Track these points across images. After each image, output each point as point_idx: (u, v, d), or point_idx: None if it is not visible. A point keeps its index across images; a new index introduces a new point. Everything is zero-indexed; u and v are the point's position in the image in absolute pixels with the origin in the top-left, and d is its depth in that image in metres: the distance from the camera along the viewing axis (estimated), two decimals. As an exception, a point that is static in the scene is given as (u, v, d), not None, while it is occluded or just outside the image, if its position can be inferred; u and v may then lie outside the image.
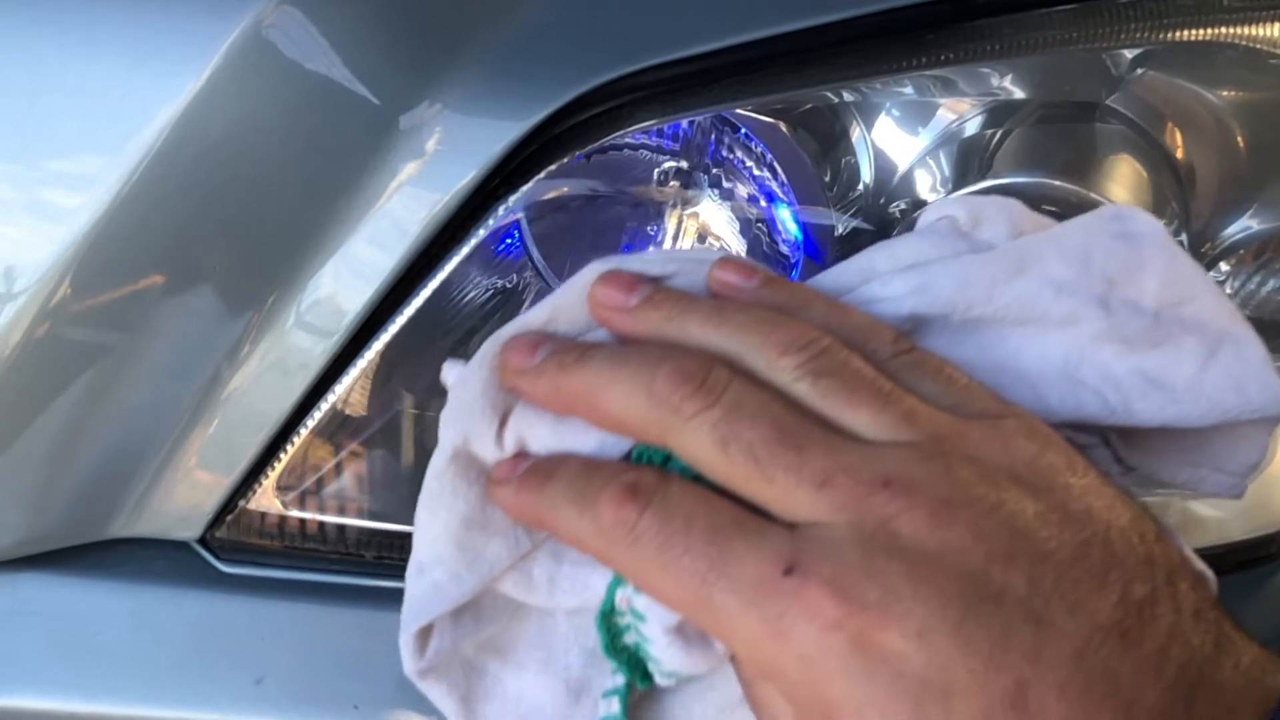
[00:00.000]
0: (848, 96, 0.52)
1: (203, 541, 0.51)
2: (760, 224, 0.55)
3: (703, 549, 0.29)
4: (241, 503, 0.50)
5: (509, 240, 0.56)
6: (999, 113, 0.55)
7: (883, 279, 0.36)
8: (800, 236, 0.54)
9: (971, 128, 0.56)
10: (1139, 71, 0.54)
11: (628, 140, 0.55)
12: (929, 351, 0.33)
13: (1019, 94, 0.55)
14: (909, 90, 0.54)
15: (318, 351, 0.47)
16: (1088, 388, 0.35)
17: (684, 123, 0.53)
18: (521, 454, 0.34)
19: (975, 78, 0.54)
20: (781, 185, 0.53)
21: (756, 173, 0.53)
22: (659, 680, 0.34)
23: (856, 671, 0.27)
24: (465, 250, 0.47)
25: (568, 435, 0.34)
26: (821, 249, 0.53)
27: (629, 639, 0.33)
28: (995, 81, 0.54)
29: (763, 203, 0.54)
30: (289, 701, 0.48)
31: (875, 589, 0.27)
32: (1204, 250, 0.58)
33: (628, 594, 0.32)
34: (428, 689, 0.36)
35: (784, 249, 0.54)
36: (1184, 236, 0.56)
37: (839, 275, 0.37)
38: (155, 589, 0.50)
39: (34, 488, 0.48)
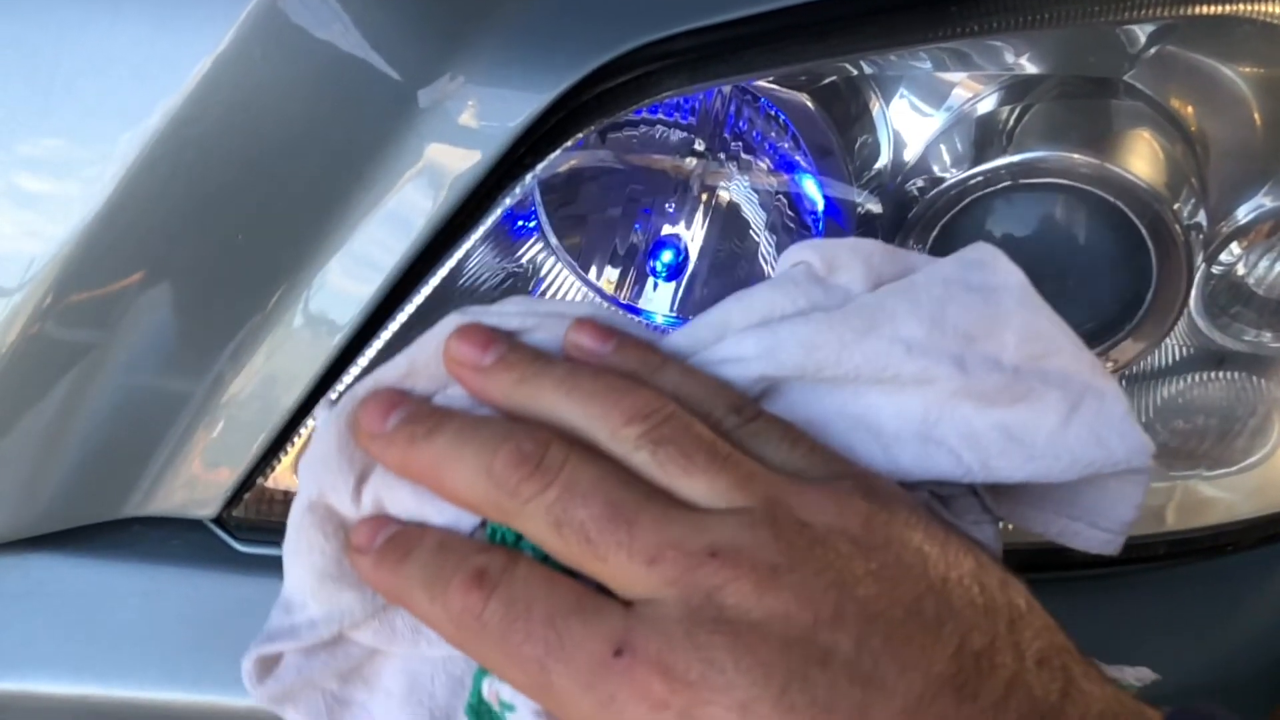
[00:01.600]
0: (870, 69, 0.52)
1: (218, 521, 0.50)
2: (781, 196, 0.54)
3: (541, 634, 0.29)
4: (260, 480, 0.49)
5: (524, 222, 0.55)
6: (1018, 89, 0.55)
7: (736, 336, 0.36)
8: (824, 205, 0.54)
9: (990, 104, 0.55)
10: (1157, 47, 0.54)
11: (645, 116, 0.55)
12: (774, 416, 0.34)
13: (1038, 69, 0.54)
14: (928, 65, 0.53)
15: (340, 322, 0.46)
16: (944, 447, 0.35)
17: (700, 97, 0.53)
18: (380, 517, 0.35)
19: (993, 52, 0.54)
20: (804, 155, 0.52)
21: (778, 143, 0.53)
22: None
23: None
24: (490, 220, 0.46)
25: (426, 502, 0.34)
26: (846, 217, 0.53)
27: None
28: (1014, 57, 0.54)
29: (784, 175, 0.53)
30: (310, 682, 0.47)
31: (698, 665, 0.27)
32: (1219, 228, 0.58)
33: (494, 686, 0.33)
34: (286, 714, 0.36)
35: (807, 220, 0.54)
36: (1202, 213, 0.56)
37: (694, 330, 0.37)
38: (170, 569, 0.49)
39: (46, 465, 0.46)
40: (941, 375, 0.34)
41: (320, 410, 0.36)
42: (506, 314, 0.36)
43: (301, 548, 0.35)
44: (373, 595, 0.35)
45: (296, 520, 0.35)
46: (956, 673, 0.27)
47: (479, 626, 0.30)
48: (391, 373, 0.36)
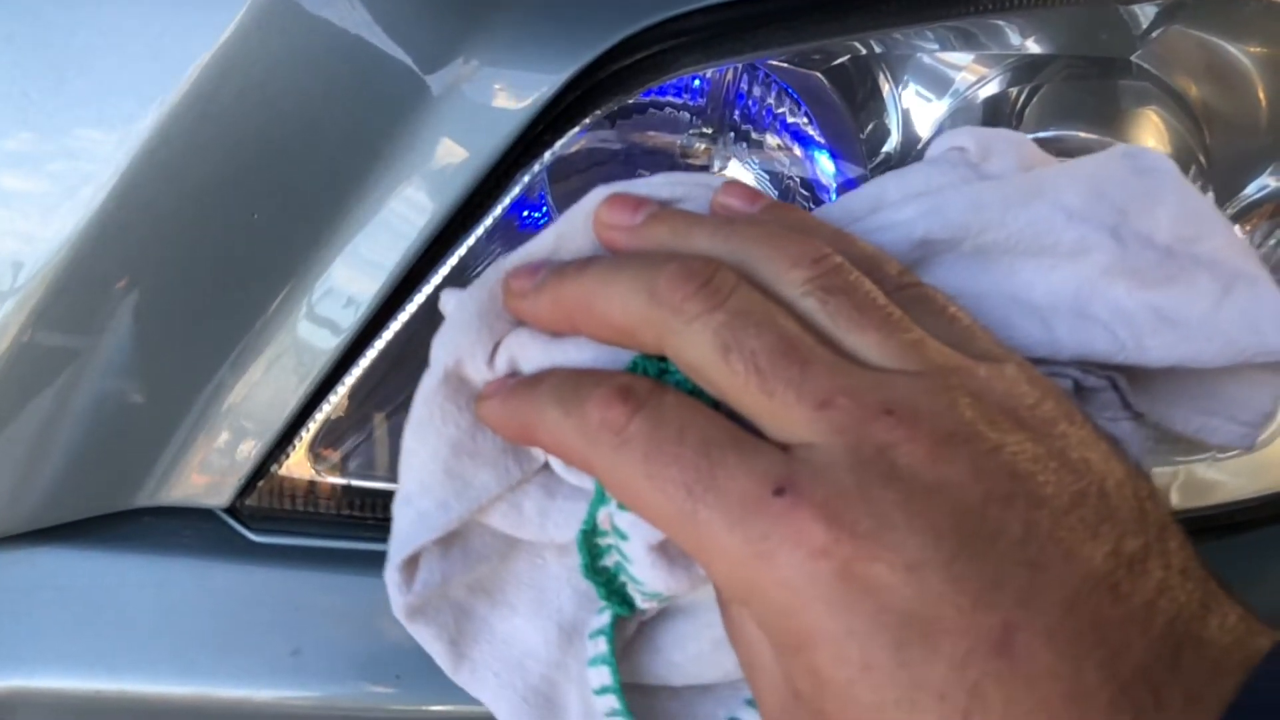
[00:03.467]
0: (879, 49, 0.51)
1: (231, 511, 0.49)
2: (794, 177, 0.54)
3: (692, 460, 0.28)
4: (274, 468, 0.48)
5: (531, 212, 0.55)
6: (1025, 70, 0.55)
7: (894, 205, 0.35)
8: (837, 184, 0.53)
9: (998, 86, 0.55)
10: (1164, 26, 0.54)
11: (654, 99, 0.54)
12: (934, 288, 0.32)
13: (1045, 50, 0.55)
14: (935, 45, 0.53)
15: (357, 306, 0.45)
16: (1098, 323, 0.34)
17: (711, 78, 0.53)
18: (513, 374, 0.33)
19: (1001, 32, 0.54)
20: (818, 134, 0.52)
21: (790, 119, 0.53)
22: (640, 603, 0.33)
23: (839, 602, 0.26)
24: (500, 207, 0.46)
25: (560, 353, 0.32)
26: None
27: (609, 560, 0.32)
28: (1021, 37, 0.54)
29: (797, 151, 0.53)
30: (329, 672, 0.46)
31: (868, 517, 0.26)
32: (1225, 209, 0.59)
33: (610, 511, 0.31)
34: (416, 632, 0.35)
35: (821, 197, 0.54)
36: (1209, 194, 0.57)
37: (849, 202, 0.36)
38: (183, 560, 0.47)
39: (40, 461, 0.45)
40: (1098, 246, 0.34)
41: (449, 295, 0.34)
42: (655, 184, 0.34)
43: (435, 421, 0.33)
44: (506, 468, 0.33)
45: (428, 395, 0.33)
46: (1112, 571, 0.26)
47: (618, 442, 0.28)
48: (538, 246, 0.34)
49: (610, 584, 0.33)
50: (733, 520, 0.27)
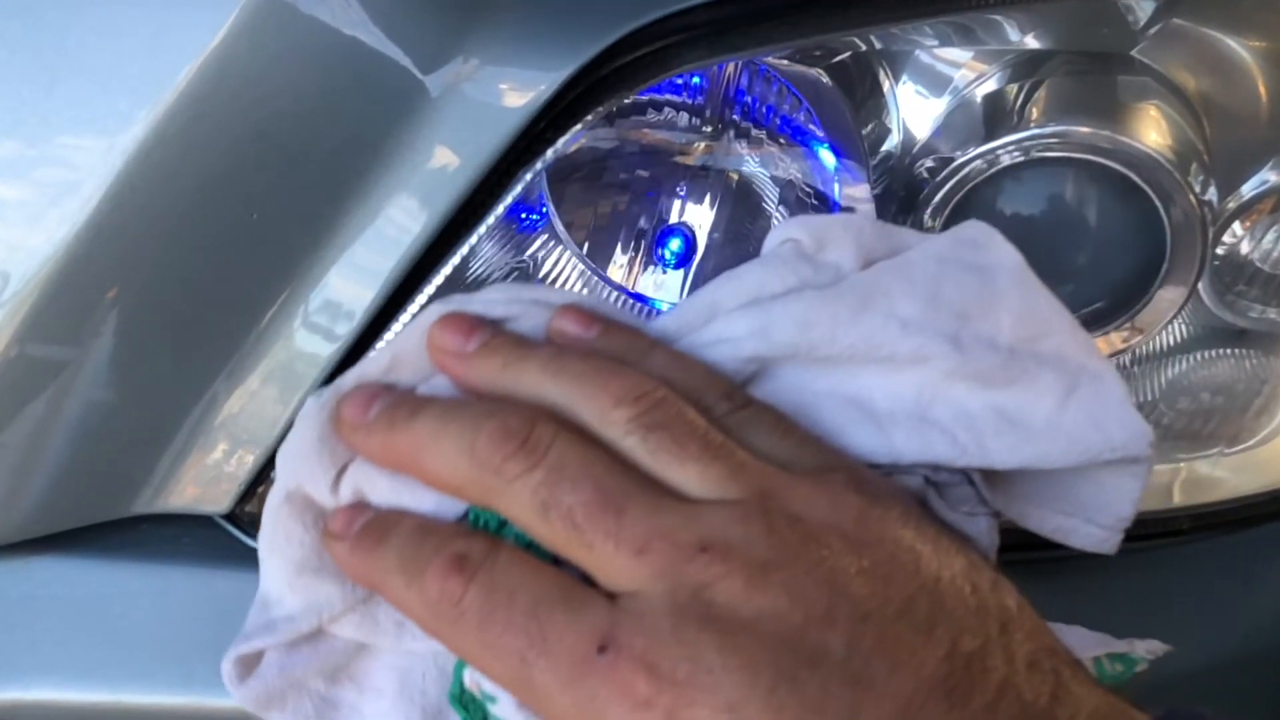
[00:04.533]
0: (880, 45, 0.51)
1: (230, 518, 0.48)
2: (795, 173, 0.54)
3: (522, 625, 0.28)
4: (274, 473, 0.47)
5: (529, 214, 0.54)
6: (1025, 67, 0.55)
7: (726, 317, 0.35)
8: (838, 181, 0.53)
9: (998, 83, 0.55)
10: (1164, 20, 0.54)
11: (652, 98, 0.54)
12: (765, 404, 0.33)
13: (1045, 45, 0.54)
14: (934, 41, 0.53)
15: (356, 309, 0.44)
16: (938, 427, 0.34)
17: (711, 76, 0.52)
18: (359, 504, 0.34)
19: (1000, 27, 0.54)
20: (819, 129, 0.52)
21: (792, 115, 0.52)
22: None
23: None
24: (503, 205, 0.45)
25: (405, 491, 0.33)
26: (863, 181, 0.52)
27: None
28: (1020, 33, 0.54)
29: (798, 147, 0.53)
30: (332, 681, 0.45)
31: (685, 663, 0.26)
32: (1225, 204, 0.58)
33: (475, 677, 0.31)
34: (269, 717, 0.35)
35: (824, 190, 0.53)
36: (1212, 188, 0.56)
37: (683, 313, 0.36)
38: (182, 568, 0.47)
39: (29, 472, 0.45)
40: (936, 354, 0.34)
41: (309, 400, 0.35)
42: (491, 302, 0.35)
43: (279, 539, 0.34)
44: (352, 587, 0.34)
45: (273, 511, 0.34)
46: (948, 675, 0.26)
47: (457, 614, 0.29)
48: (374, 366, 0.35)
49: None
50: (564, 682, 0.27)
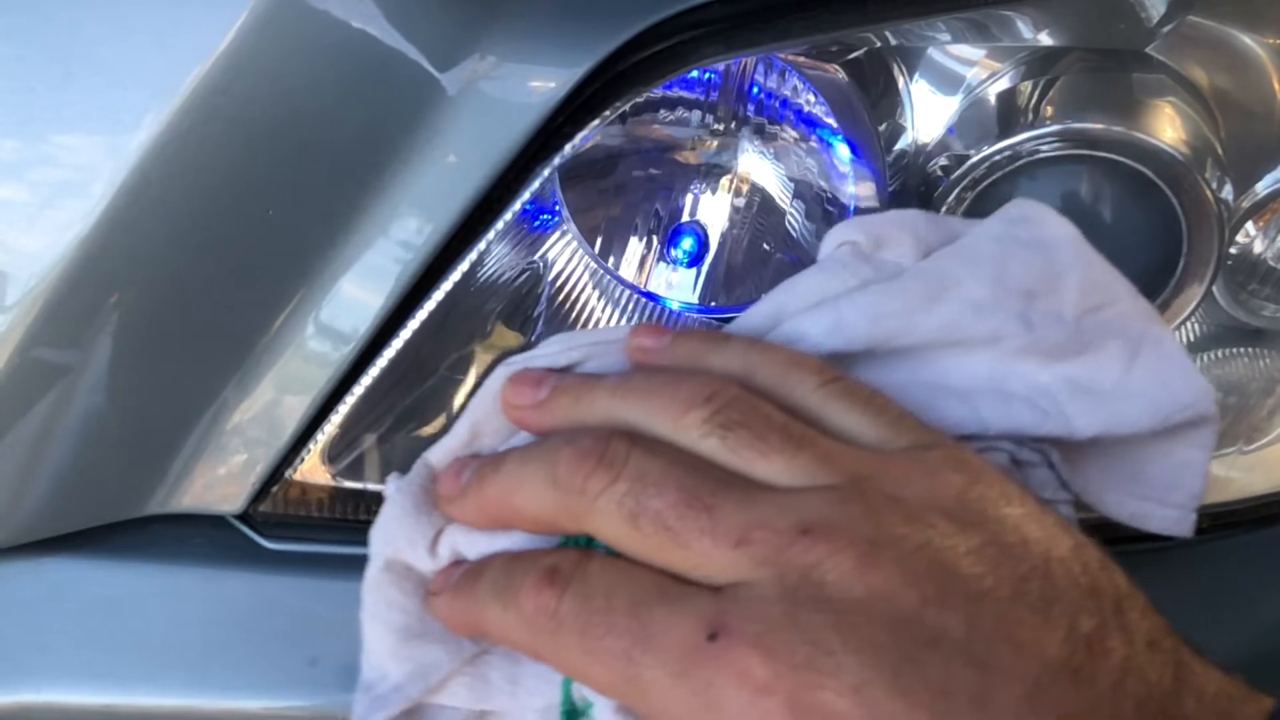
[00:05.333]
0: (904, 41, 0.51)
1: (244, 518, 0.48)
2: (810, 169, 0.53)
3: (624, 625, 0.28)
4: (288, 473, 0.47)
5: (543, 215, 0.54)
6: (1038, 65, 0.55)
7: (795, 319, 0.35)
8: (854, 175, 0.53)
9: (1011, 80, 0.55)
10: (1179, 17, 0.54)
11: (665, 95, 0.54)
12: (856, 381, 0.33)
13: (1059, 42, 0.54)
14: (954, 36, 0.53)
15: (373, 307, 0.44)
16: (1017, 398, 0.34)
17: (724, 72, 0.52)
18: (457, 562, 0.34)
19: (1014, 24, 0.54)
20: (835, 124, 0.52)
21: (808, 109, 0.52)
22: None
23: None
24: (526, 194, 0.45)
25: (501, 539, 0.33)
26: (879, 189, 0.52)
27: None
28: (1034, 30, 0.54)
29: (814, 142, 0.52)
30: (348, 682, 0.44)
31: (804, 646, 0.26)
32: (1240, 202, 0.58)
33: (580, 688, 0.31)
34: None
35: (837, 183, 0.53)
36: (1228, 186, 0.56)
37: (748, 320, 0.36)
38: (195, 569, 0.46)
39: (59, 460, 0.44)
40: (1008, 333, 0.34)
41: (392, 480, 0.36)
42: (553, 354, 0.36)
43: (380, 607, 0.34)
44: (457, 646, 0.34)
45: (373, 583, 0.35)
46: (1070, 656, 0.25)
47: (554, 626, 0.29)
48: (456, 440, 0.36)
49: None
50: (674, 674, 0.27)
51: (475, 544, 0.34)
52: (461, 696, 0.34)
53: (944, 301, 0.34)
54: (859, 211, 0.52)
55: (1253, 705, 0.26)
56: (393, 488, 0.35)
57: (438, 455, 0.36)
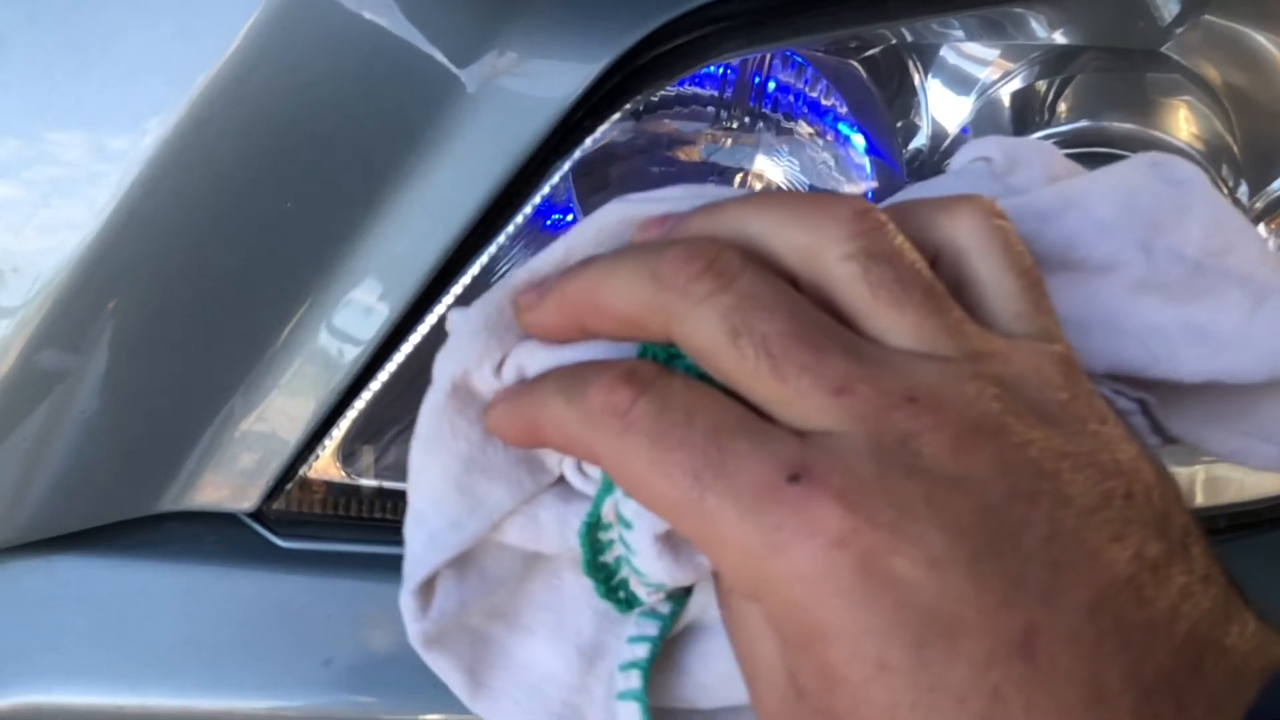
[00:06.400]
0: (923, 38, 0.51)
1: (257, 516, 0.47)
2: (826, 163, 0.53)
3: (700, 445, 0.26)
4: (302, 470, 0.46)
5: (557, 215, 0.53)
6: (1053, 64, 0.55)
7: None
8: (872, 169, 0.53)
9: (1025, 79, 0.55)
10: (1193, 16, 0.54)
11: (680, 92, 0.53)
12: (1018, 235, 0.31)
13: (1074, 41, 0.54)
14: (968, 34, 0.53)
15: (391, 300, 0.43)
16: (1130, 335, 0.34)
17: (740, 68, 0.52)
18: (521, 382, 0.31)
19: (1029, 23, 0.54)
20: (851, 117, 0.51)
21: (825, 103, 0.52)
22: (643, 595, 0.31)
23: (857, 596, 0.24)
24: (546, 188, 0.44)
25: (569, 355, 0.31)
26: (899, 170, 0.52)
27: (610, 555, 0.31)
28: (1048, 29, 0.54)
29: (830, 137, 0.52)
30: (362, 682, 0.44)
31: (889, 507, 0.25)
32: (1253, 203, 0.58)
33: (615, 500, 0.30)
34: (433, 661, 0.33)
35: (857, 178, 0.53)
36: (1244, 186, 0.56)
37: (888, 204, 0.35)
38: (208, 568, 0.46)
39: (69, 457, 0.43)
40: (1127, 261, 0.33)
41: (455, 311, 0.33)
42: (674, 198, 0.32)
43: (444, 436, 0.31)
44: (518, 480, 0.31)
45: (436, 408, 0.32)
46: (1136, 573, 0.25)
47: (622, 426, 0.26)
48: (547, 259, 0.32)
49: (609, 580, 0.32)
50: (743, 509, 0.25)
51: (540, 361, 0.31)
52: (513, 536, 0.32)
53: (1070, 214, 0.33)
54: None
55: None
56: (459, 312, 0.33)
57: (524, 275, 0.32)
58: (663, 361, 0.29)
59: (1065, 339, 0.30)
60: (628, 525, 0.30)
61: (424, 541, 0.32)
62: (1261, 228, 0.60)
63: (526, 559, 0.34)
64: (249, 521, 0.47)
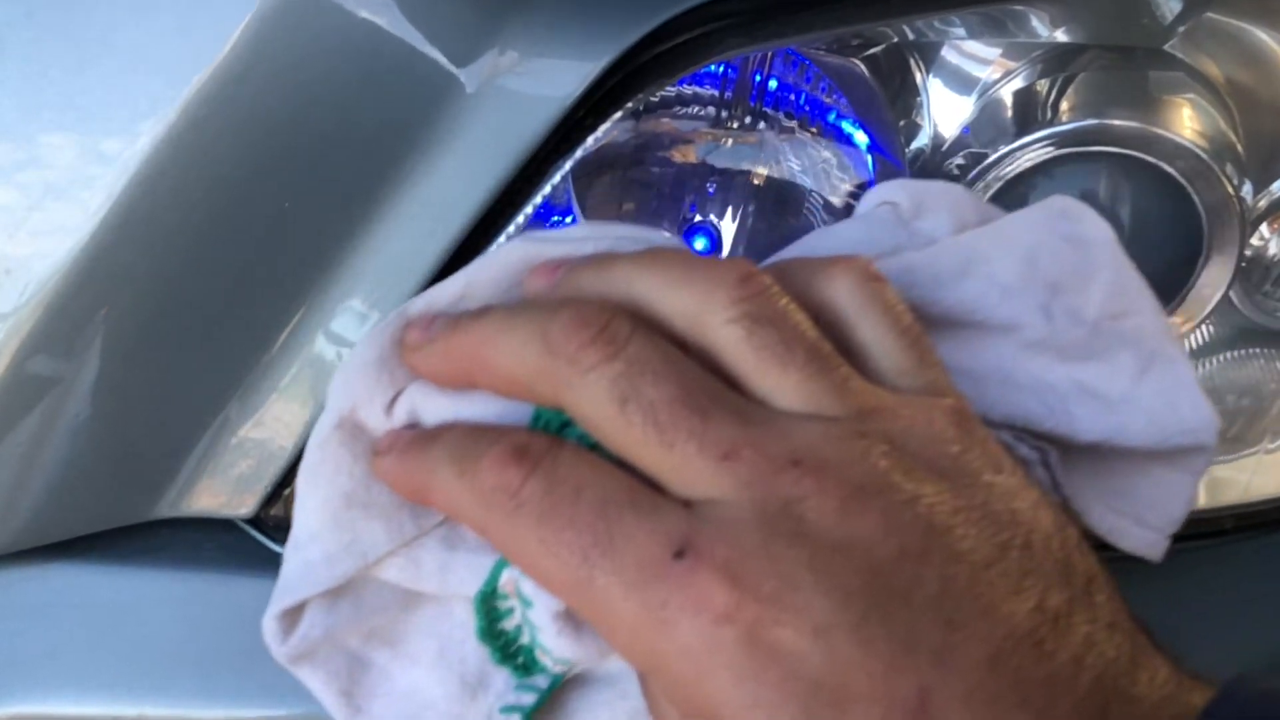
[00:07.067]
0: (926, 36, 0.50)
1: (255, 522, 0.47)
2: (828, 162, 0.53)
3: (588, 522, 0.26)
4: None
5: (558, 217, 0.53)
6: (1055, 62, 0.54)
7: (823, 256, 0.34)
8: (874, 167, 0.52)
9: (1027, 78, 0.55)
10: (1197, 14, 0.54)
11: (679, 93, 0.53)
12: (898, 293, 0.31)
13: (1075, 39, 0.54)
14: (970, 32, 0.53)
15: (390, 302, 0.43)
16: (1025, 389, 0.34)
17: (740, 67, 0.52)
18: (413, 425, 0.32)
19: (1031, 20, 0.53)
20: (854, 116, 0.51)
21: (827, 101, 0.51)
22: (548, 664, 0.31)
23: (744, 670, 0.25)
24: (547, 187, 0.44)
25: (464, 406, 0.31)
26: (902, 167, 0.52)
27: (509, 623, 0.31)
28: (1050, 28, 0.54)
29: (832, 136, 0.52)
30: (364, 690, 0.44)
31: (773, 578, 0.25)
32: (1257, 202, 0.58)
33: (514, 576, 0.30)
34: (303, 677, 0.33)
35: (859, 177, 0.52)
36: (1248, 185, 0.56)
37: (775, 261, 0.35)
38: (205, 575, 0.45)
39: (62, 464, 0.43)
40: (1027, 324, 0.34)
41: (368, 331, 0.34)
42: (577, 240, 0.33)
43: (326, 469, 0.32)
44: (399, 523, 0.31)
45: (322, 440, 0.32)
46: (1036, 627, 0.25)
47: (513, 506, 0.27)
48: (445, 294, 0.33)
49: (507, 648, 0.32)
50: (630, 586, 0.25)
51: (434, 407, 0.31)
52: (392, 575, 0.32)
53: (971, 277, 0.34)
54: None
55: (1197, 693, 0.26)
56: (365, 334, 0.33)
57: (419, 306, 0.33)
58: (556, 428, 0.29)
59: (957, 391, 0.30)
60: (528, 603, 0.30)
61: (297, 571, 0.32)
62: (1265, 228, 0.60)
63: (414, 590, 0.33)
64: (247, 528, 0.47)
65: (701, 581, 0.25)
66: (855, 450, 0.26)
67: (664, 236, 0.34)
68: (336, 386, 0.33)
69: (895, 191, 0.36)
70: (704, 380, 0.27)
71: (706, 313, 0.28)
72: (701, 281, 0.28)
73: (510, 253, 0.33)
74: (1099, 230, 0.36)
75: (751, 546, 0.25)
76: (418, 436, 0.30)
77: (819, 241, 0.35)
